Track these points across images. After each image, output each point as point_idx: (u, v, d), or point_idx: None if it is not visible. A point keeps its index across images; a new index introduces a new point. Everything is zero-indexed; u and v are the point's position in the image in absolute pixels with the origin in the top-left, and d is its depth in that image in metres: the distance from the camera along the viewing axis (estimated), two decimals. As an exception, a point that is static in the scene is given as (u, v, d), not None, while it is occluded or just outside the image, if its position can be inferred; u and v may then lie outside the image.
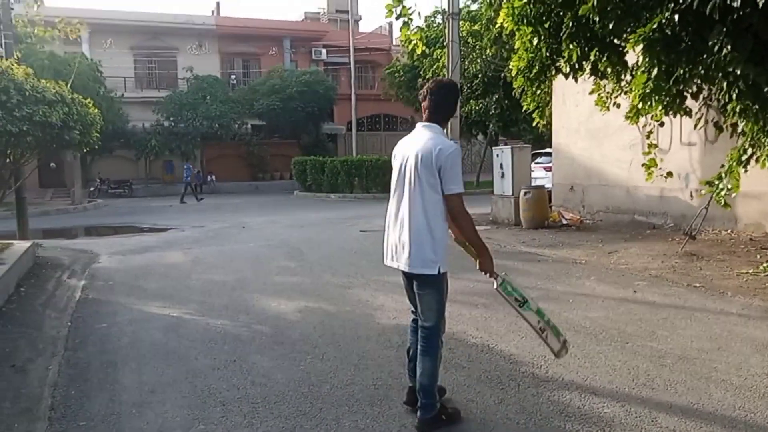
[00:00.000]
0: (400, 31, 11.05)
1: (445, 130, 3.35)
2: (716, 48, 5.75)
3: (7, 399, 3.88)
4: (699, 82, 7.12)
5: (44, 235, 13.44)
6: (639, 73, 6.95)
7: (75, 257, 9.66)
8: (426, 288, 3.27)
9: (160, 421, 3.52)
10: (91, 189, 26.73)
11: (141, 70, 32.58)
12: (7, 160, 8.90)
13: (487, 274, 3.33)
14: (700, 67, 6.38)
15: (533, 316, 3.44)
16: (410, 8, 10.69)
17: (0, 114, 7.45)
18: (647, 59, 6.56)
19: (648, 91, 6.79)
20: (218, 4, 39.25)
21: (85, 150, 10.18)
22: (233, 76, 33.59)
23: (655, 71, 6.54)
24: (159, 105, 29.62)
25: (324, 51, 35.58)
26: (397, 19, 8.55)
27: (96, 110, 9.46)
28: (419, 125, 3.34)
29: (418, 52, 12.55)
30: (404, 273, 3.36)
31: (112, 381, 4.19)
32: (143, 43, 32.02)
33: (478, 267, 3.33)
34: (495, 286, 3.37)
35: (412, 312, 3.50)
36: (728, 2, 5.21)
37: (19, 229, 11.33)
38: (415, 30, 9.39)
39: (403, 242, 3.24)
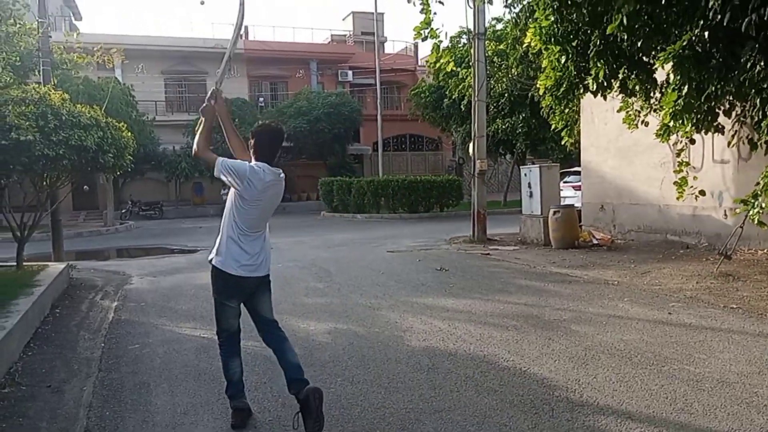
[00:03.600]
0: (432, 52, 11.39)
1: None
2: (749, 64, 5.68)
3: (44, 419, 3.94)
4: (731, 98, 7.03)
5: (78, 257, 13.67)
6: (669, 90, 6.89)
7: (108, 278, 9.82)
8: None
9: (193, 443, 3.53)
10: (123, 211, 27.24)
11: (171, 93, 33.34)
12: (44, 183, 9.12)
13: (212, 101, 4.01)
14: (732, 84, 6.31)
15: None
16: (438, 29, 10.93)
17: (38, 138, 7.62)
18: (678, 77, 6.51)
19: (679, 108, 6.72)
20: (246, 28, 39.92)
21: (118, 173, 10.38)
22: (261, 99, 34.10)
23: (686, 89, 6.48)
24: (189, 128, 30.17)
25: (350, 72, 35.94)
26: (423, 40, 8.81)
27: (129, 134, 9.63)
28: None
29: (448, 70, 12.94)
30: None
31: (145, 402, 4.23)
32: (174, 68, 32.80)
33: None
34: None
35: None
36: (765, 18, 5.14)
37: (54, 251, 11.58)
38: (446, 49, 9.65)
39: None
